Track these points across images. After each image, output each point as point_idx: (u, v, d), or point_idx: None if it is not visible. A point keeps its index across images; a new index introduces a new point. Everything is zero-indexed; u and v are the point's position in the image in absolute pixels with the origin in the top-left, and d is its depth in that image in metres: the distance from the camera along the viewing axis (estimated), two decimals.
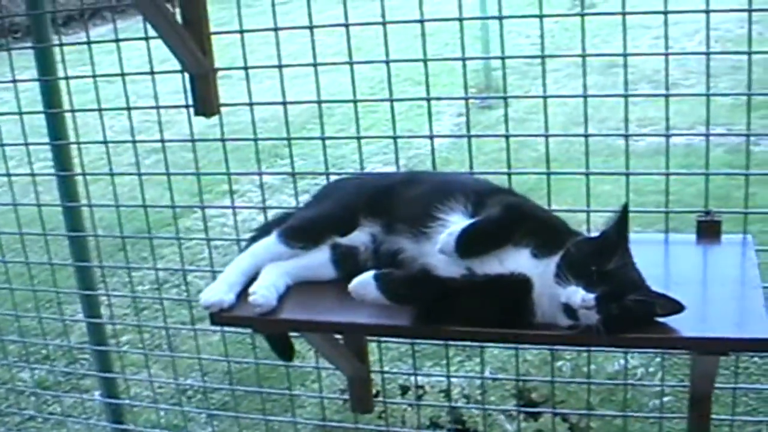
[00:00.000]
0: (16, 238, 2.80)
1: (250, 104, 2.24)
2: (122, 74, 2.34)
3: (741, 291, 1.60)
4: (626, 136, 2.08)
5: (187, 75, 2.10)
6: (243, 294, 1.65)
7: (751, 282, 1.61)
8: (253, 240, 1.79)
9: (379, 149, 5.17)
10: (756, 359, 3.07)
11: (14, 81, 2.52)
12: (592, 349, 2.41)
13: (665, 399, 2.75)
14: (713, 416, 1.89)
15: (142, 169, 2.48)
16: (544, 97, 2.06)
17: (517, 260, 1.49)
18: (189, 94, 2.12)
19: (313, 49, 2.12)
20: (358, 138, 2.31)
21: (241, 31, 2.17)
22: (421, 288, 1.53)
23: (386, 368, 2.70)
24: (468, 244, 1.49)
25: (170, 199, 2.48)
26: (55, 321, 3.19)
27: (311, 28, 2.11)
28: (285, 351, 1.88)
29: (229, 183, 2.43)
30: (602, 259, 1.43)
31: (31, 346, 3.29)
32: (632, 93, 2.25)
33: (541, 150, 2.14)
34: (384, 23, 2.07)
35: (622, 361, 2.89)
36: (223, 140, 2.31)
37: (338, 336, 1.94)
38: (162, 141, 2.40)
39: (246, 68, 2.21)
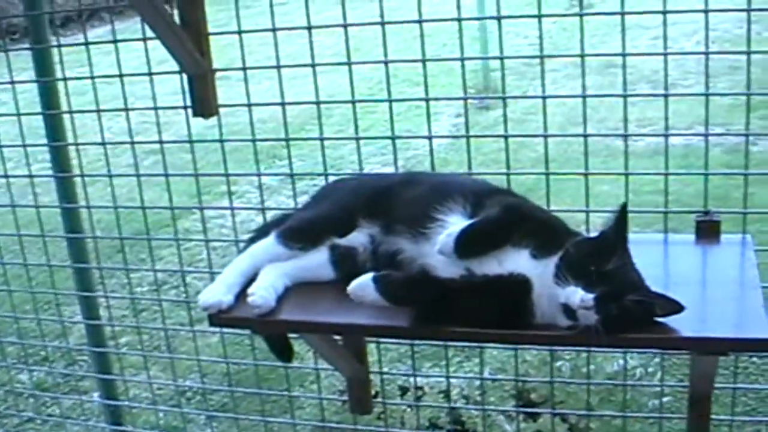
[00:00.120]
0: (14, 239, 2.80)
1: (249, 105, 2.24)
2: (120, 75, 2.34)
3: (740, 291, 1.60)
4: (625, 137, 2.08)
5: (185, 76, 2.10)
6: (242, 295, 1.64)
7: (750, 282, 1.61)
8: (252, 241, 1.79)
9: (378, 150, 5.17)
10: (755, 359, 3.07)
11: (12, 82, 2.52)
12: (592, 349, 2.41)
13: (665, 399, 2.75)
14: (713, 416, 1.89)
15: (141, 170, 2.47)
16: (543, 98, 2.05)
17: (516, 261, 1.49)
18: (187, 95, 2.12)
19: (312, 49, 2.12)
20: (357, 139, 2.31)
21: (240, 32, 2.17)
22: (420, 289, 1.53)
23: (385, 369, 2.70)
24: (467, 245, 1.49)
25: (169, 200, 2.47)
26: (54, 322, 3.18)
27: (309, 28, 2.10)
28: (284, 352, 1.87)
29: (228, 184, 2.43)
30: (601, 259, 1.43)
31: (30, 347, 3.29)
32: (631, 93, 2.25)
33: (540, 150, 2.14)
34: (382, 23, 2.06)
35: (621, 362, 2.89)
36: (221, 141, 2.31)
37: (337, 337, 1.93)
38: (160, 142, 2.39)
39: (244, 69, 2.21)
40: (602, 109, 4.67)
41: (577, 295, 1.41)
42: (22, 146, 2.59)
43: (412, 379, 2.85)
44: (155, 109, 2.35)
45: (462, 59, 2.14)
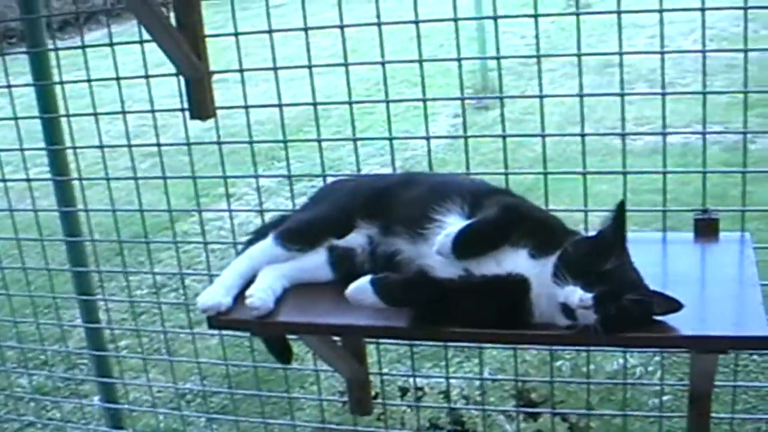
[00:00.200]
0: (13, 243, 2.80)
1: (246, 107, 2.24)
2: (117, 78, 2.34)
3: (739, 289, 1.60)
4: (623, 136, 2.07)
5: (182, 78, 2.10)
6: (240, 297, 1.64)
7: (749, 280, 1.61)
8: (250, 243, 1.79)
9: (376, 151, 5.16)
10: (755, 357, 3.07)
11: (9, 86, 2.52)
12: (591, 348, 2.41)
13: (665, 398, 2.75)
14: (713, 414, 1.89)
15: (139, 173, 2.47)
16: (541, 97, 2.05)
17: (515, 261, 1.49)
18: (184, 97, 2.12)
19: (309, 51, 2.12)
20: (355, 140, 2.30)
21: (236, 34, 2.17)
22: (419, 291, 1.52)
23: (385, 370, 2.69)
24: (465, 245, 1.49)
25: (167, 203, 2.47)
26: (53, 326, 3.18)
27: (306, 30, 2.10)
28: (283, 354, 1.87)
29: (226, 186, 2.43)
30: (600, 258, 1.43)
31: (30, 351, 3.28)
32: (628, 92, 2.24)
33: (538, 150, 2.13)
34: (379, 24, 2.06)
35: (621, 361, 2.89)
36: (219, 143, 2.31)
37: (336, 338, 1.93)
38: (158, 145, 2.39)
39: (241, 71, 2.20)
40: (600, 109, 4.67)
41: (575, 294, 1.40)
42: (20, 150, 2.59)
43: (411, 380, 2.85)
44: (152, 111, 2.35)
45: (459, 59, 2.14)
